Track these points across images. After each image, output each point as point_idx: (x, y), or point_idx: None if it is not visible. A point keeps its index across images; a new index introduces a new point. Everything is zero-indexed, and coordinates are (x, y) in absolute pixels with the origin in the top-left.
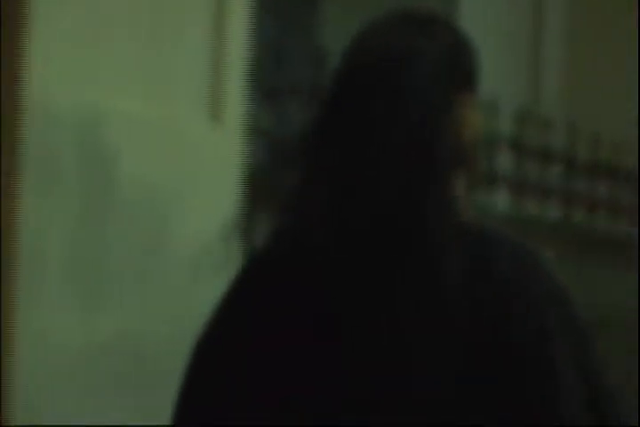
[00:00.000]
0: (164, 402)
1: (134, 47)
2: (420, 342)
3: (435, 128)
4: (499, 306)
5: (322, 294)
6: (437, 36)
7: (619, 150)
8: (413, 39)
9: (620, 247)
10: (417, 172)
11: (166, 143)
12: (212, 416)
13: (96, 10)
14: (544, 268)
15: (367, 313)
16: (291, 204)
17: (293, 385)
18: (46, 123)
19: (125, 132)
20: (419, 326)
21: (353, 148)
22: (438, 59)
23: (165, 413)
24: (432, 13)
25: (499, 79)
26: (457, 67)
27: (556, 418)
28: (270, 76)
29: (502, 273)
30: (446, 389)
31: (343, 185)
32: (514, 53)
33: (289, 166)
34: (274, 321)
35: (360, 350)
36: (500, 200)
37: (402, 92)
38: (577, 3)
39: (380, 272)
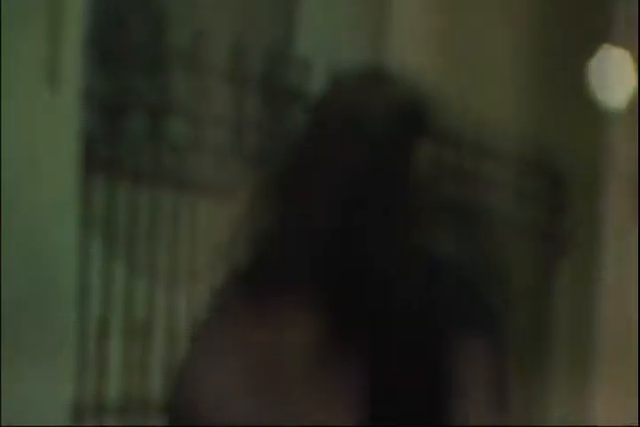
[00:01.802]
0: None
1: None
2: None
3: (394, 171)
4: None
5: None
6: (393, 93)
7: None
8: (373, 97)
9: None
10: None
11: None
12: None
13: None
14: (477, 293)
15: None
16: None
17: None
18: None
19: None
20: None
21: (321, 192)
22: (393, 112)
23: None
24: (390, 72)
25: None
26: (410, 117)
27: None
28: (109, 42)
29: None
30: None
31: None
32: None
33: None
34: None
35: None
36: None
37: (362, 141)
38: None
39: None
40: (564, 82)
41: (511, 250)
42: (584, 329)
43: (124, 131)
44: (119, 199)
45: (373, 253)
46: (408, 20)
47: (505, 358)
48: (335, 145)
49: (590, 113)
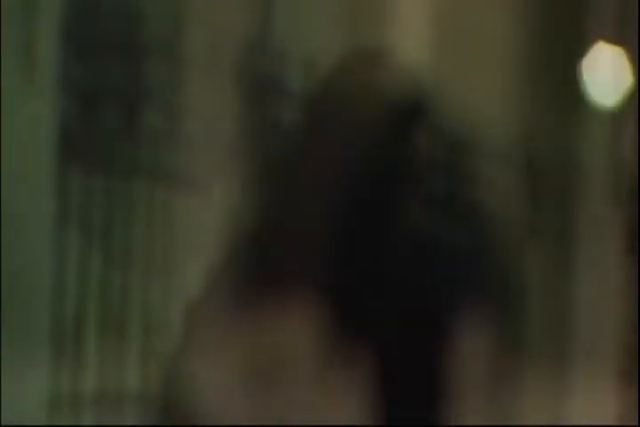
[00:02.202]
0: None
1: None
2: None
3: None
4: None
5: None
6: (393, 88)
7: None
8: (373, 83)
9: None
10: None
11: None
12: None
13: None
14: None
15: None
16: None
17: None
18: None
19: None
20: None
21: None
22: (393, 109)
23: None
24: (390, 58)
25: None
26: (410, 116)
27: None
28: (84, 31)
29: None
30: None
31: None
32: None
33: None
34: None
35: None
36: None
37: (360, 137)
38: None
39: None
40: (559, 80)
41: (504, 247)
42: (560, 324)
43: (100, 121)
44: (95, 191)
45: (372, 249)
46: (402, 17)
47: (503, 343)
48: (332, 140)
49: (584, 111)
